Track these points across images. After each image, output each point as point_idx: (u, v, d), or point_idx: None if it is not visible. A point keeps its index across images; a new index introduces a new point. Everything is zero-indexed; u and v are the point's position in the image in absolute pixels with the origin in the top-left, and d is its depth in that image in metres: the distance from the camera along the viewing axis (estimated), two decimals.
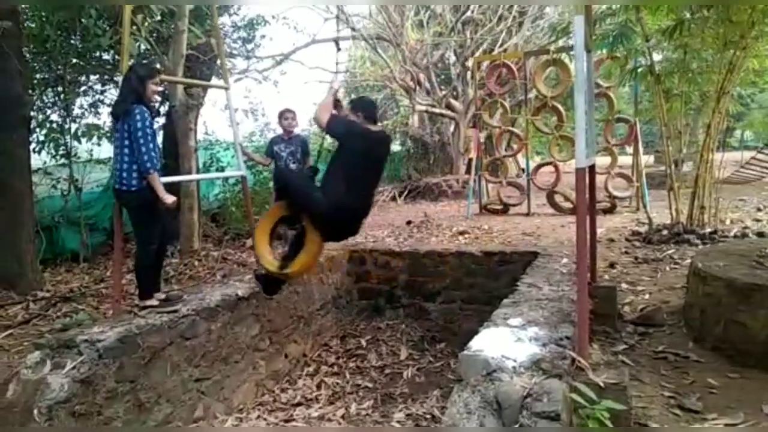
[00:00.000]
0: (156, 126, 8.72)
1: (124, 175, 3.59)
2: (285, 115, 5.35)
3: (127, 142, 3.56)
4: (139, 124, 3.52)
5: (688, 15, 6.20)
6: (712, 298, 3.72)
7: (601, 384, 2.47)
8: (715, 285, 3.70)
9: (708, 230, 6.76)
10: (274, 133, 5.58)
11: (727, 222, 7.57)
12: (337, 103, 4.27)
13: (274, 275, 4.07)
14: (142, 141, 3.51)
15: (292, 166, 5.23)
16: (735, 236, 6.65)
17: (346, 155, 3.85)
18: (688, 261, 5.02)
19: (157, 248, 3.82)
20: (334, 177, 3.83)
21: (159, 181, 3.62)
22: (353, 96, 23.83)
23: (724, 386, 3.20)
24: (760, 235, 6.63)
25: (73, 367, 3.01)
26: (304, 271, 4.08)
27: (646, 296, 4.95)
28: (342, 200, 3.74)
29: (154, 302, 3.78)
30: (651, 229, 7.22)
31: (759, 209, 8.84)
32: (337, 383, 4.65)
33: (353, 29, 15.93)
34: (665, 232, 7.00)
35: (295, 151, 5.27)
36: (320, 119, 3.86)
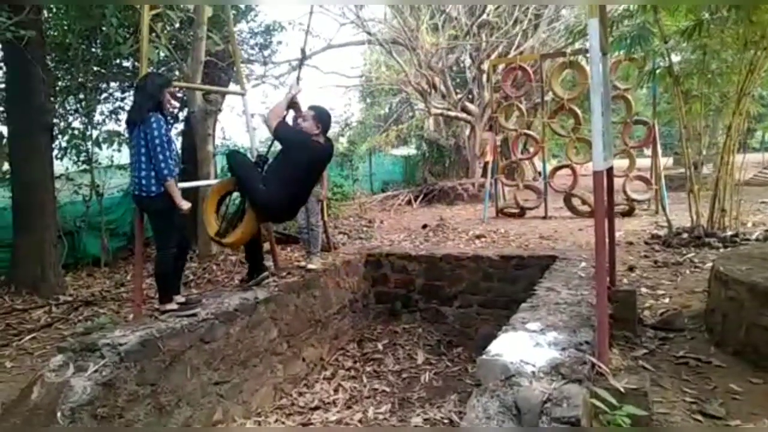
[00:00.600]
0: (175, 132, 8.90)
1: (143, 181, 3.66)
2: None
3: (144, 150, 3.63)
4: (155, 132, 3.59)
5: (707, 15, 6.13)
6: (734, 302, 3.66)
7: (622, 389, 2.45)
8: (737, 289, 3.65)
9: (729, 233, 6.66)
10: None
11: (749, 225, 7.46)
12: (294, 106, 4.52)
13: (213, 240, 4.55)
14: (159, 149, 3.59)
15: None
16: (757, 239, 6.55)
17: (289, 160, 4.18)
18: (709, 264, 4.95)
19: (177, 252, 3.88)
20: (275, 176, 4.16)
21: (176, 188, 3.69)
22: (368, 100, 23.94)
23: (747, 392, 3.14)
24: None
25: (96, 370, 3.05)
26: (237, 243, 4.43)
27: (667, 300, 4.89)
28: (280, 197, 4.15)
29: (173, 306, 3.83)
30: (670, 232, 7.13)
31: None
32: (355, 387, 4.65)
33: (369, 33, 16.00)
34: (685, 235, 6.92)
35: None
36: (270, 124, 4.21)
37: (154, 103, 3.70)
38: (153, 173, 3.63)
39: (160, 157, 3.59)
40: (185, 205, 3.72)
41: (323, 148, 4.33)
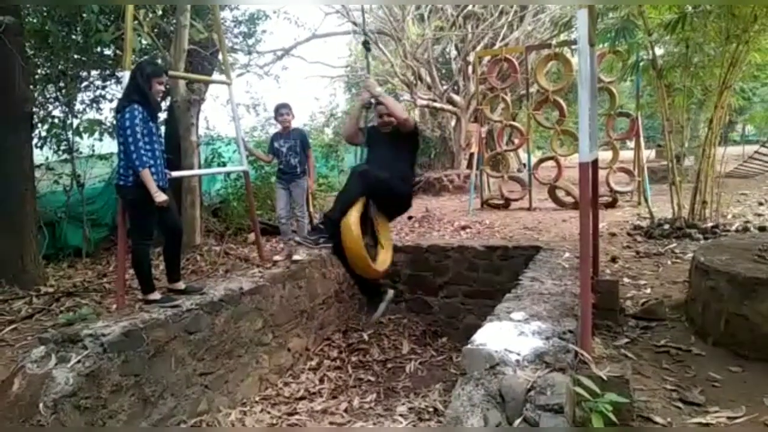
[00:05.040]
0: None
1: (121, 170, 3.70)
2: (280, 111, 5.35)
3: (121, 139, 3.64)
4: (127, 123, 3.58)
5: (690, 8, 6.17)
6: (715, 293, 3.72)
7: (604, 377, 2.48)
8: (717, 279, 3.70)
9: (710, 225, 6.75)
10: (276, 128, 5.58)
11: (729, 216, 7.57)
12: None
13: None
14: (131, 140, 3.57)
15: (293, 161, 5.22)
16: (737, 231, 6.65)
17: (414, 149, 4.14)
18: (690, 255, 5.02)
19: (168, 238, 3.93)
20: (410, 167, 4.16)
21: (150, 179, 3.63)
22: (353, 91, 23.80)
23: (726, 380, 3.21)
24: (762, 229, 6.63)
25: (78, 361, 3.02)
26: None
27: (648, 290, 4.96)
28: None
29: (156, 296, 3.80)
30: (653, 223, 7.22)
31: (761, 203, 8.83)
32: (340, 377, 4.67)
33: (354, 23, 15.90)
34: (667, 226, 7.00)
35: (294, 145, 5.26)
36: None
37: (142, 93, 3.67)
38: (130, 163, 3.63)
39: (131, 147, 3.57)
40: (160, 197, 3.64)
41: None
